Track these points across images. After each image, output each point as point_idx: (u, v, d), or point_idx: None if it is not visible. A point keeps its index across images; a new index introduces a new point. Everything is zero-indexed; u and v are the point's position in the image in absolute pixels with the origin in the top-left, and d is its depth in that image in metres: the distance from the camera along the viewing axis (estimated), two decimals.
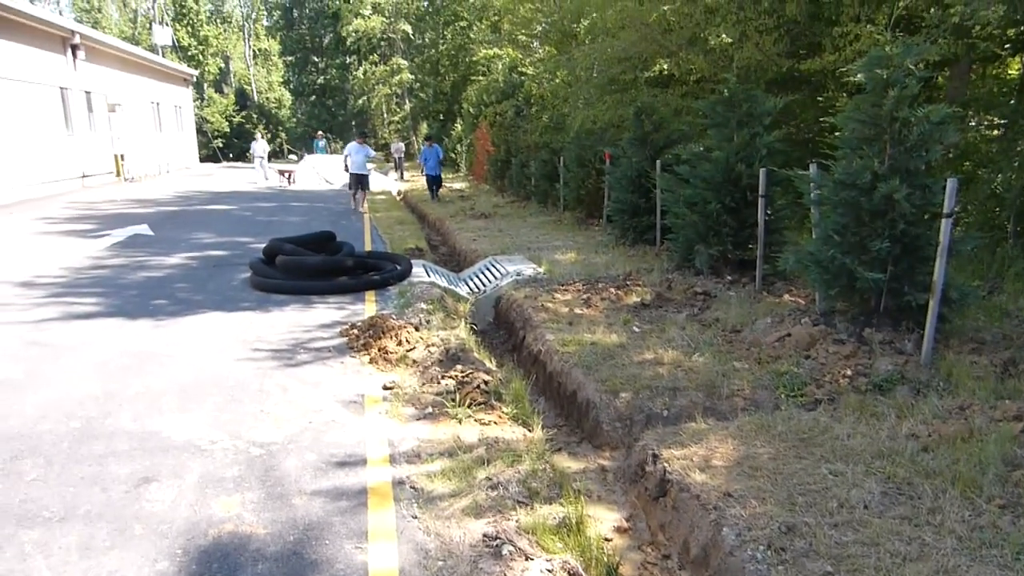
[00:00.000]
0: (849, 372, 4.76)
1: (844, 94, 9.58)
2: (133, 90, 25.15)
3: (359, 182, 15.84)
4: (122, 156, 23.18)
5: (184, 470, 3.67)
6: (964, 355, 4.94)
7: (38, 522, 3.17)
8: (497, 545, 3.09)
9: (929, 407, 4.17)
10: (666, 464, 3.71)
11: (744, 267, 7.69)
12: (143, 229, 12.11)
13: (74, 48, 19.96)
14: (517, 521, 3.30)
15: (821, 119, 9.69)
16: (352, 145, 16.40)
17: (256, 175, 23.81)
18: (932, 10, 8.35)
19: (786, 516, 3.10)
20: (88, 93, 21.19)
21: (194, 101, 37.82)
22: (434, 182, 19.01)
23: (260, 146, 24.31)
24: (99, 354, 5.47)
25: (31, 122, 17.60)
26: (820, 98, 10.46)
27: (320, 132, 32.36)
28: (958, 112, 5.83)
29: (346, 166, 16.06)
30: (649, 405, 4.62)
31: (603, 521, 3.76)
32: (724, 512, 3.18)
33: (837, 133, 5.73)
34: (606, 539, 3.56)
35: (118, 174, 22.96)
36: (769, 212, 7.08)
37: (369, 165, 16.56)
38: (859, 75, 5.38)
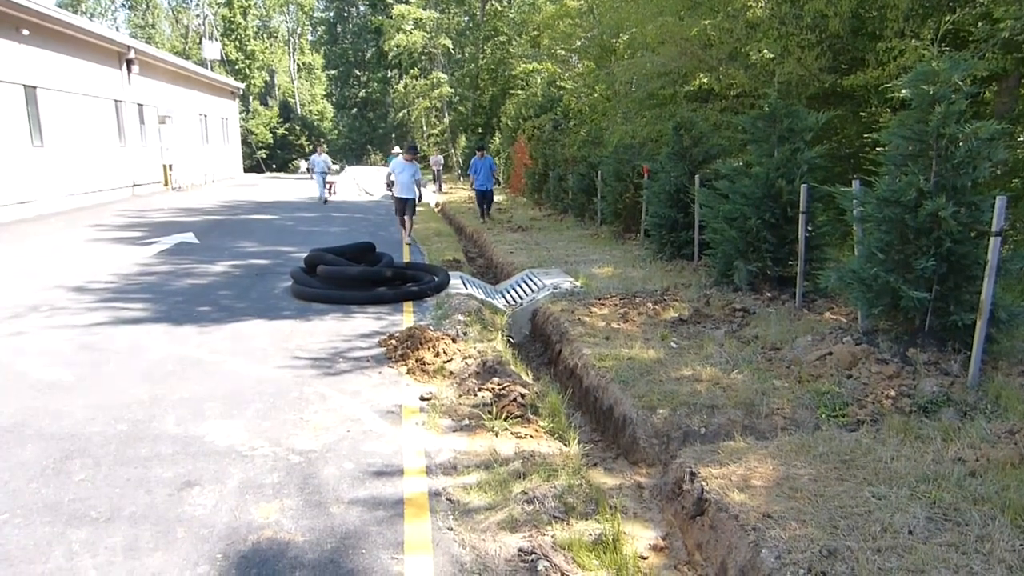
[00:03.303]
0: (892, 393, 4.65)
1: (888, 110, 9.42)
2: (182, 102, 25.93)
3: (404, 206, 12.20)
4: (170, 166, 23.92)
5: (225, 475, 3.75)
6: (1013, 377, 4.79)
7: (86, 522, 3.28)
8: (532, 560, 3.09)
9: (976, 430, 4.05)
10: (704, 483, 3.67)
11: (784, 284, 7.58)
12: (189, 237, 12.46)
13: (129, 63, 20.72)
14: (553, 536, 3.30)
15: (864, 135, 9.54)
16: (397, 162, 12.58)
17: (317, 191, 21.37)
18: (980, 24, 8.18)
19: (827, 540, 3.04)
20: (140, 106, 21.93)
21: (239, 113, 38.81)
22: (484, 198, 16.69)
23: (323, 160, 21.42)
24: (146, 359, 5.63)
25: (88, 133, 18.29)
26: (863, 113, 10.29)
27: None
28: (1007, 128, 5.69)
29: (390, 185, 12.86)
30: (687, 422, 4.57)
31: (639, 539, 3.73)
32: (763, 533, 3.13)
33: (880, 149, 5.63)
34: (642, 557, 3.53)
35: (166, 183, 23.68)
36: (810, 228, 6.98)
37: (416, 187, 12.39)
38: (904, 91, 5.28)
